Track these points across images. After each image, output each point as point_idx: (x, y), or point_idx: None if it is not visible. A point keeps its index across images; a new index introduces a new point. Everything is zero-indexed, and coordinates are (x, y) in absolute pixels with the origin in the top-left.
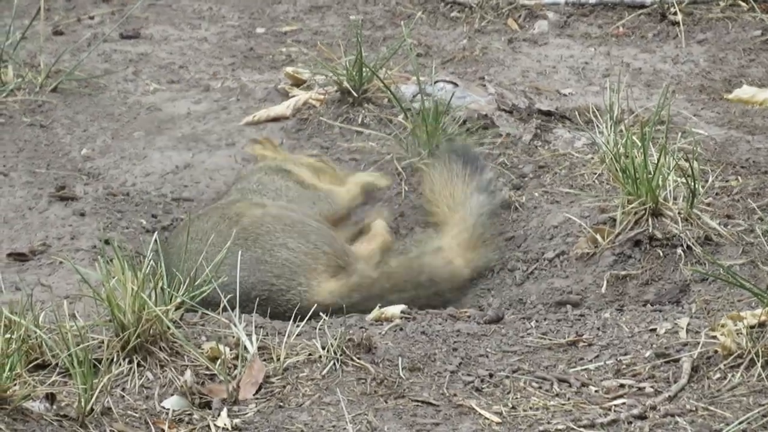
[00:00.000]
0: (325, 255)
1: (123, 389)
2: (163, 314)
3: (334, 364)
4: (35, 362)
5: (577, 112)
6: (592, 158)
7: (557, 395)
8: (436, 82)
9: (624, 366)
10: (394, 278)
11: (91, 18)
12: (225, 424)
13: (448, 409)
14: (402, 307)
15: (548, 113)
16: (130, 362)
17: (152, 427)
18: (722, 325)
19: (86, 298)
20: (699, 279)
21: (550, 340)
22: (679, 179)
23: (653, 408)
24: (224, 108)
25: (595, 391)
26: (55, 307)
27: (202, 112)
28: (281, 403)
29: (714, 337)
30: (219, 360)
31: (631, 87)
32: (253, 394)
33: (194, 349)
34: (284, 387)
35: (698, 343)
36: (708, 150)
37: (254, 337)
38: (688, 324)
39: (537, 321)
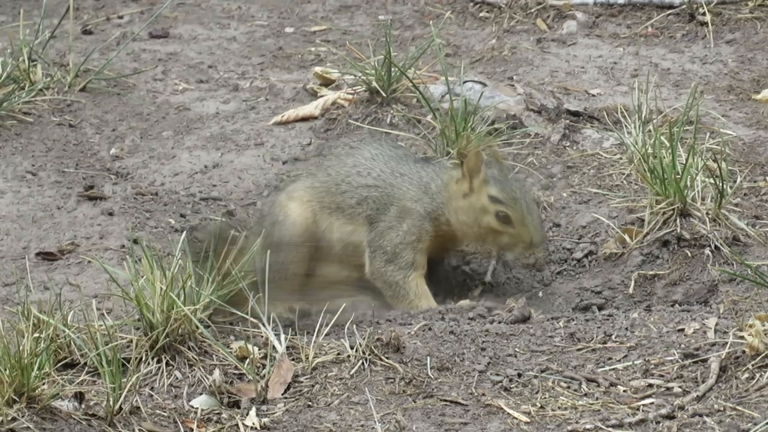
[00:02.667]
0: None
1: (151, 388)
2: (191, 314)
3: (363, 363)
4: (64, 361)
5: (605, 112)
6: (621, 158)
7: (585, 395)
8: (464, 81)
9: (652, 366)
10: None
11: (120, 17)
12: (254, 423)
13: (476, 408)
14: None
15: (576, 113)
16: (159, 361)
17: (181, 426)
18: (750, 326)
19: (115, 298)
20: (727, 279)
21: (579, 340)
22: (707, 179)
23: (681, 408)
24: (253, 108)
25: (624, 391)
26: (84, 306)
27: (231, 111)
28: (310, 403)
29: (742, 338)
30: (248, 359)
31: (660, 87)
32: (282, 394)
33: (223, 349)
34: (313, 386)
35: (726, 343)
36: (736, 150)
37: (283, 337)
38: (716, 324)
39: (565, 321)
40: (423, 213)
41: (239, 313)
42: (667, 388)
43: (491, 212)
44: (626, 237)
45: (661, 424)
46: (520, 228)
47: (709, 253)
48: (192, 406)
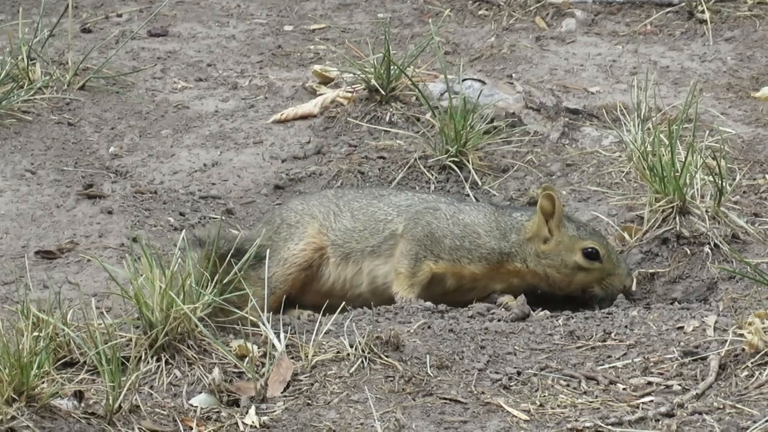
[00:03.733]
0: None
1: (151, 387)
2: (191, 312)
3: (362, 361)
4: (63, 360)
5: (604, 110)
6: (620, 156)
7: (585, 393)
8: (464, 80)
9: (651, 364)
10: None
11: (119, 15)
12: (253, 422)
13: (476, 406)
14: None
15: (576, 111)
16: (158, 360)
17: (180, 425)
18: (750, 323)
19: (114, 296)
20: (726, 277)
21: (578, 338)
22: (706, 177)
23: (681, 406)
24: (252, 106)
25: (623, 389)
26: (83, 305)
27: (230, 110)
28: (309, 401)
29: (741, 335)
30: (247, 358)
31: (659, 85)
32: (281, 392)
33: (222, 347)
34: (312, 385)
35: (725, 341)
36: (735, 148)
37: (282, 335)
38: (716, 322)
39: (565, 319)
40: (495, 248)
41: (239, 312)
42: (667, 386)
43: (578, 250)
44: (626, 235)
45: (660, 422)
46: (606, 262)
47: (709, 250)
48: (191, 405)
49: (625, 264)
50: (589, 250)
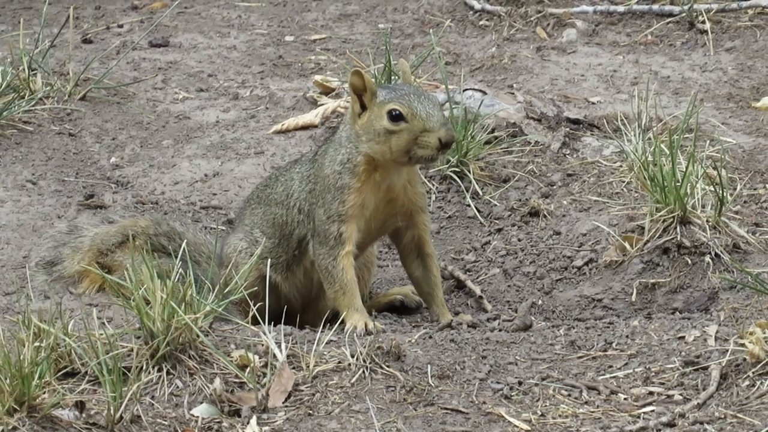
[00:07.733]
0: None
1: (152, 397)
2: (192, 322)
3: (364, 371)
4: (64, 370)
5: (605, 120)
6: (621, 166)
7: (586, 403)
8: (464, 90)
9: (653, 374)
10: None
11: (120, 26)
12: None
13: (477, 416)
14: None
15: (576, 121)
16: (160, 370)
17: None
18: (751, 333)
19: (115, 306)
20: (727, 287)
21: (579, 348)
22: (707, 187)
23: (682, 415)
24: (253, 116)
25: (624, 399)
26: (85, 315)
27: (231, 120)
28: (310, 411)
29: (742, 345)
30: (248, 368)
31: (659, 95)
32: (283, 402)
33: (224, 357)
34: (313, 395)
35: (726, 350)
36: (736, 158)
37: (283, 345)
38: (717, 332)
39: (566, 329)
40: (338, 169)
41: (240, 322)
42: (668, 396)
43: (384, 116)
44: (626, 245)
45: None
46: (413, 120)
47: (710, 260)
48: (193, 415)
49: (440, 116)
50: (393, 112)
